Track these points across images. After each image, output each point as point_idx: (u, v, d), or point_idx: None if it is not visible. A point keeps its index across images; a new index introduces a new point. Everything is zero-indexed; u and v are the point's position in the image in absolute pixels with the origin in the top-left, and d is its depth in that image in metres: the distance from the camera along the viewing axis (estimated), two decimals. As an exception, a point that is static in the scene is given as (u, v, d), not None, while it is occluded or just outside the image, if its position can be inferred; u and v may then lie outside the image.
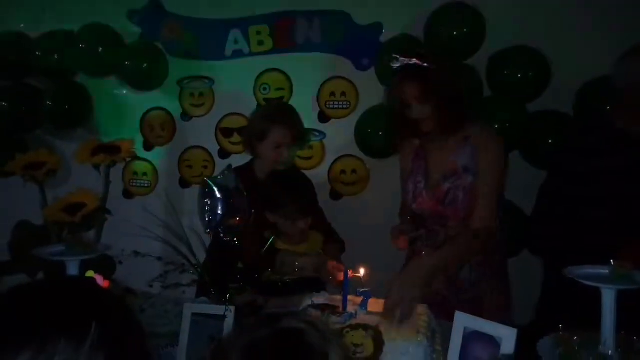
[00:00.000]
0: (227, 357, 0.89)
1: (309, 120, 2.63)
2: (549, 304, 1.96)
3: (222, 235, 1.74)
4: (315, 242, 2.08)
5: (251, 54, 2.78)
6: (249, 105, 2.75)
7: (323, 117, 2.76)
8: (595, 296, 1.42)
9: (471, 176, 1.88)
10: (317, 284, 1.95)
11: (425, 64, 1.79)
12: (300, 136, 2.16)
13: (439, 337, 1.63)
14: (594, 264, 1.48)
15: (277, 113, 2.15)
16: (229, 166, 1.95)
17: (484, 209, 1.85)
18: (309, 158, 2.76)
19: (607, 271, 1.45)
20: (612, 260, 1.45)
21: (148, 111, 2.90)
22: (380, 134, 2.57)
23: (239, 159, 2.42)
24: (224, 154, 2.86)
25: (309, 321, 0.92)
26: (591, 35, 2.45)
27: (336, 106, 2.73)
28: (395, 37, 2.60)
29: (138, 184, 2.93)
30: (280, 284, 1.92)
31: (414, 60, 1.80)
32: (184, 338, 1.58)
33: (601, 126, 1.95)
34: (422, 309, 1.70)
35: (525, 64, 2.45)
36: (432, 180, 1.93)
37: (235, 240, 1.73)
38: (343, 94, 2.72)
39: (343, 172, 2.77)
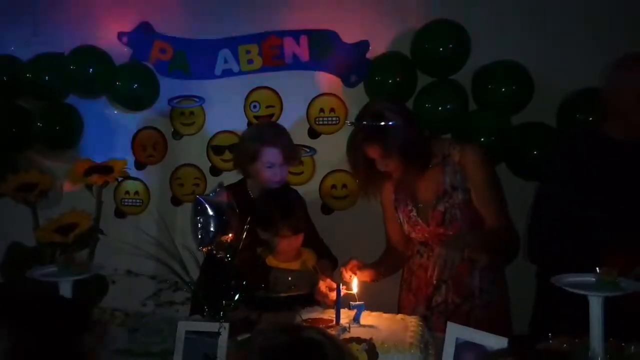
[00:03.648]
0: (248, 355, 0.94)
1: (299, 136, 2.66)
2: (542, 312, 1.99)
3: (214, 252, 1.75)
4: (307, 260, 2.09)
5: (241, 73, 2.81)
6: (239, 123, 2.78)
7: (313, 133, 2.79)
8: (586, 303, 1.45)
9: (461, 192, 1.94)
10: (310, 300, 1.97)
11: (382, 123, 1.85)
12: (291, 155, 2.18)
13: (432, 348, 1.65)
14: (594, 265, 1.49)
15: (267, 134, 2.17)
16: (221, 183, 1.97)
17: (494, 216, 1.92)
18: (300, 173, 2.78)
19: (594, 279, 1.48)
20: (597, 268, 1.48)
21: (139, 131, 2.91)
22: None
23: (231, 177, 2.44)
24: (215, 171, 2.87)
25: (326, 334, 0.97)
26: (573, 49, 2.51)
27: (325, 122, 2.76)
28: (383, 54, 2.65)
29: (130, 203, 2.93)
30: (273, 299, 1.93)
31: (369, 122, 1.87)
32: (179, 356, 1.59)
33: (589, 133, 2.00)
34: (415, 321, 1.73)
35: (509, 78, 2.50)
36: (424, 205, 1.98)
37: (228, 257, 1.74)
38: (332, 110, 2.75)
39: (334, 186, 2.79)
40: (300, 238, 2.06)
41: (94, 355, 0.95)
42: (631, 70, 1.86)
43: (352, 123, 1.96)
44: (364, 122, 1.89)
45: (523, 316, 2.07)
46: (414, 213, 1.99)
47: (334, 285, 1.89)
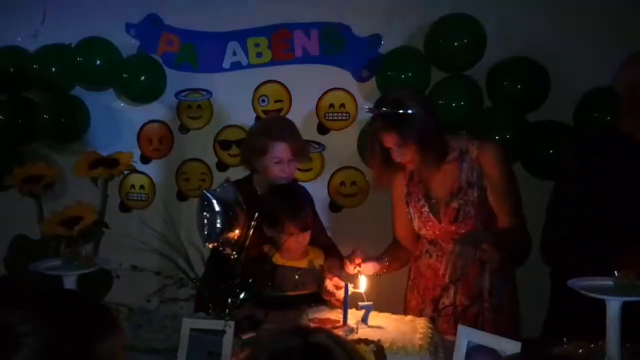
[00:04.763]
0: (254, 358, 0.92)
1: (308, 131, 2.62)
2: (556, 315, 1.94)
3: (220, 248, 1.72)
4: (315, 258, 2.06)
5: (249, 66, 2.77)
6: (247, 118, 2.75)
7: (322, 129, 2.75)
8: (602, 307, 1.40)
9: (477, 190, 1.90)
10: (317, 299, 1.93)
11: (400, 111, 1.81)
12: (300, 151, 2.15)
13: (442, 351, 1.61)
14: (611, 268, 1.45)
15: (276, 129, 2.14)
16: (228, 179, 1.94)
17: (509, 216, 1.89)
18: (308, 170, 2.74)
19: (611, 282, 1.44)
20: (615, 272, 1.44)
21: (145, 124, 2.89)
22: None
23: (238, 172, 2.41)
24: (222, 166, 2.84)
25: (337, 340, 0.94)
26: (590, 46, 2.46)
27: (335, 118, 2.73)
28: (395, 48, 2.60)
29: (135, 197, 2.91)
30: (279, 298, 1.90)
31: (388, 109, 1.83)
32: (183, 354, 1.56)
33: (605, 131, 1.95)
34: (424, 322, 1.69)
35: (525, 74, 2.46)
36: (437, 201, 1.95)
37: (234, 254, 1.71)
38: (342, 105, 2.71)
39: (342, 183, 2.75)
40: (307, 236, 2.02)
41: None
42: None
43: (369, 109, 1.91)
44: (383, 109, 1.84)
45: (532, 319, 2.03)
46: (426, 209, 1.95)
47: (341, 284, 1.86)
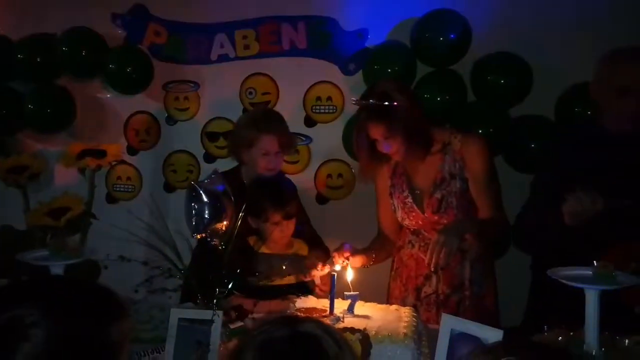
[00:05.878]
0: (243, 352, 0.91)
1: (295, 124, 2.63)
2: (536, 304, 1.99)
3: (208, 239, 1.73)
4: (299, 250, 2.08)
5: (237, 58, 2.77)
6: (234, 110, 2.75)
7: (309, 122, 2.76)
8: (581, 296, 1.44)
9: (459, 181, 1.93)
10: (304, 288, 1.96)
11: (387, 103, 1.84)
12: (287, 143, 2.16)
13: (426, 339, 1.64)
14: (591, 258, 1.48)
15: (263, 121, 2.15)
16: (216, 170, 1.95)
17: (489, 208, 1.92)
18: (295, 162, 2.76)
19: (590, 272, 1.48)
20: (595, 261, 1.48)
21: (132, 115, 2.87)
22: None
23: (225, 163, 2.41)
24: (209, 158, 2.84)
25: (325, 328, 0.95)
26: (572, 42, 2.49)
27: (322, 110, 2.74)
28: (382, 42, 2.62)
29: (122, 189, 2.90)
30: (267, 288, 1.92)
31: (375, 100, 1.86)
32: (171, 343, 1.57)
33: (585, 125, 1.99)
34: (409, 311, 1.72)
35: (508, 70, 2.49)
36: (420, 192, 1.97)
37: (222, 245, 1.72)
38: (329, 98, 2.73)
39: (329, 176, 2.77)
40: (292, 225, 2.04)
41: (126, 347, 0.91)
42: (610, 64, 1.86)
43: (356, 101, 1.94)
44: (370, 101, 1.86)
45: (512, 309, 2.07)
46: (409, 199, 1.99)
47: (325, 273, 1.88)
